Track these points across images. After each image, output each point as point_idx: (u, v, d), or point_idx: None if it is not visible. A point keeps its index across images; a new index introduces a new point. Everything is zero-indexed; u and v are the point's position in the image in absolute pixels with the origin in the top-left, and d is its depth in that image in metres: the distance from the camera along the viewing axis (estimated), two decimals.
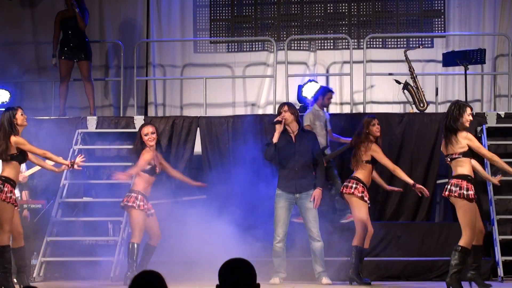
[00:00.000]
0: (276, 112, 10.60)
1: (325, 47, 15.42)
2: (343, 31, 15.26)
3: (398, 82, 13.47)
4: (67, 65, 13.51)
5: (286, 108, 10.42)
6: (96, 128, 13.23)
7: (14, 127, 10.05)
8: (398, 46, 15.10)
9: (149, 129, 10.72)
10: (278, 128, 10.34)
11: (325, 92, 12.58)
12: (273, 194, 10.71)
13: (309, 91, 13.45)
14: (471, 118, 9.47)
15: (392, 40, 15.20)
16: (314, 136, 10.56)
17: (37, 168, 11.43)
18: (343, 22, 15.38)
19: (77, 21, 13.41)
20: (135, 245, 10.66)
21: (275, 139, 10.32)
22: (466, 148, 9.34)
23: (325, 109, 12.60)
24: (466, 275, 9.64)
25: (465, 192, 9.28)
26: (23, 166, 11.31)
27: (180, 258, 11.21)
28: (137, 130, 12.57)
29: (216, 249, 11.28)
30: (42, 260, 11.54)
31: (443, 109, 14.39)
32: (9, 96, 13.82)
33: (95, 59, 14.68)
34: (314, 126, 11.98)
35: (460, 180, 9.34)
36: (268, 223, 11.08)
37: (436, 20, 15.16)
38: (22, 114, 10.18)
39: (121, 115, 14.25)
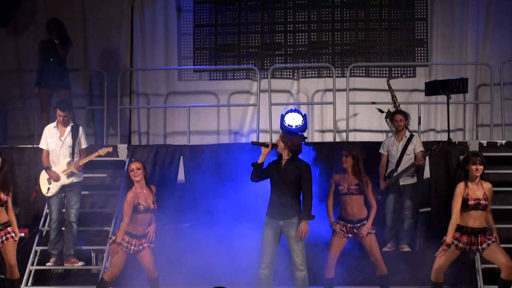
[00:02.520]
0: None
1: (309, 76, 15.52)
2: (326, 60, 15.37)
3: (381, 111, 13.53)
4: (46, 93, 13.54)
5: (281, 135, 10.46)
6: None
7: None
8: (381, 75, 15.22)
9: (135, 165, 10.67)
10: (263, 151, 10.37)
11: (392, 116, 12.67)
12: (254, 221, 10.77)
13: (292, 120, 13.56)
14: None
15: (375, 69, 15.31)
16: (306, 166, 10.52)
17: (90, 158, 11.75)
18: (327, 51, 15.51)
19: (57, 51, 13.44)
20: (103, 281, 10.73)
21: (260, 159, 10.33)
22: None
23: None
24: None
25: None
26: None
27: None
28: (120, 158, 12.77)
29: (202, 275, 11.41)
30: None
31: (425, 138, 14.55)
32: None
33: (78, 87, 14.76)
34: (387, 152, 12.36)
35: None
36: (251, 249, 11.13)
37: (419, 49, 15.30)
38: None
39: (105, 144, 14.28)
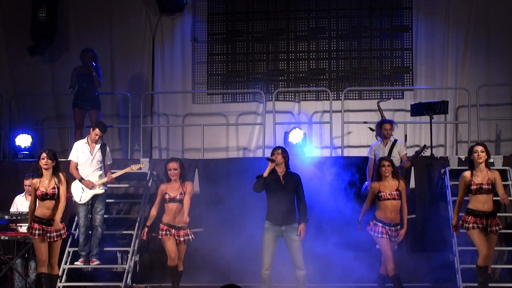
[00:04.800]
0: (270, 153, 10.65)
1: (308, 99, 15.54)
2: (324, 84, 15.41)
3: (371, 129, 13.54)
4: (80, 113, 13.62)
5: (279, 151, 10.46)
6: None
7: (39, 169, 10.38)
8: (372, 97, 15.27)
9: (173, 165, 10.84)
10: (270, 166, 10.44)
11: (380, 125, 12.72)
12: (260, 225, 10.81)
13: (294, 137, 13.67)
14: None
15: (367, 92, 15.35)
16: (298, 176, 10.58)
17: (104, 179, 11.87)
18: (324, 77, 15.52)
19: (91, 77, 13.46)
20: (169, 268, 10.85)
21: (265, 173, 10.41)
22: None
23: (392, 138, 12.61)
24: None
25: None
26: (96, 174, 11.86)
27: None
28: (143, 171, 12.81)
29: (214, 273, 11.45)
30: (60, 285, 11.62)
31: (411, 153, 14.52)
32: (31, 140, 14.01)
33: (106, 108, 14.81)
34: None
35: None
36: (256, 251, 11.14)
37: (405, 75, 15.36)
38: (42, 158, 10.37)
39: (129, 158, 14.38)
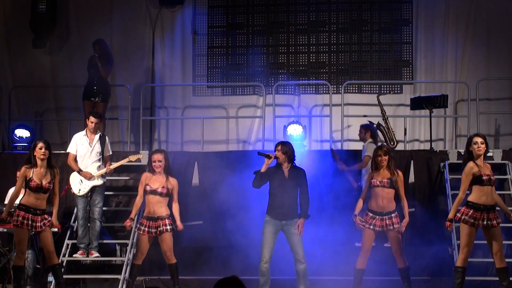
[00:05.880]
0: (274, 149, 10.62)
1: (308, 92, 15.54)
2: (324, 78, 15.39)
3: (371, 123, 13.54)
4: (89, 106, 13.53)
5: (279, 147, 10.42)
6: None
7: (32, 158, 10.19)
8: (372, 91, 15.24)
9: (157, 157, 10.70)
10: (267, 161, 10.40)
11: None
12: (260, 218, 10.76)
13: (293, 130, 13.62)
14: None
15: (367, 86, 15.33)
16: (302, 172, 10.53)
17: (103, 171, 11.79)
18: (324, 70, 15.52)
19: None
20: (133, 265, 10.84)
21: (263, 169, 10.35)
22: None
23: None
24: None
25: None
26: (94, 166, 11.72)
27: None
28: (142, 163, 12.76)
29: (212, 266, 11.42)
30: None
31: (411, 147, 14.58)
32: (29, 134, 13.96)
33: None
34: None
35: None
36: (255, 244, 11.11)
37: (405, 69, 15.33)
38: (40, 148, 10.20)
39: (129, 150, 14.34)
